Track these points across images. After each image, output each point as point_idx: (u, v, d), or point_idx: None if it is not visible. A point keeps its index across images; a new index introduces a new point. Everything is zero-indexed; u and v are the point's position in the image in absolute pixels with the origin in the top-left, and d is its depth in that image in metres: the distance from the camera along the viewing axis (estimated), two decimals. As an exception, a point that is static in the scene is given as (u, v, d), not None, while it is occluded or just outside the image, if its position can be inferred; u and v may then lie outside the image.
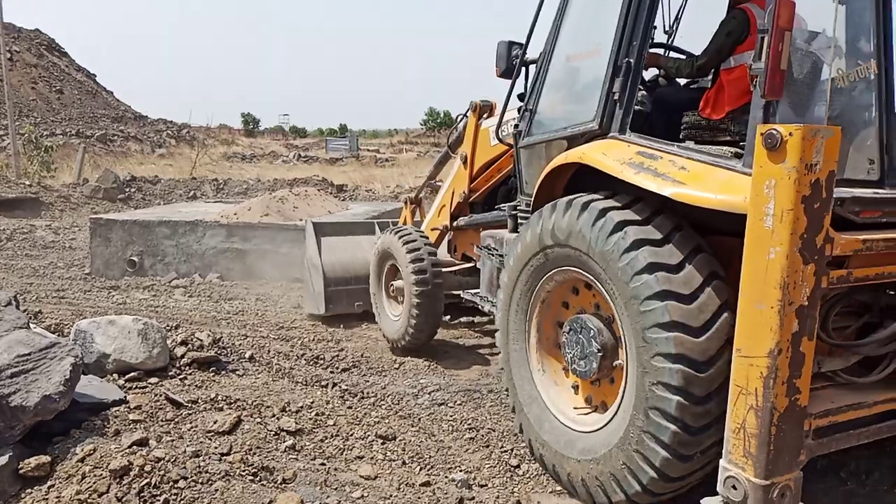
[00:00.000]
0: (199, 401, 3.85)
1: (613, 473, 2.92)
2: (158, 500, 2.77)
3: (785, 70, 2.61)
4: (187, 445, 3.25)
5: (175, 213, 9.04)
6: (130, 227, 8.38)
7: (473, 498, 3.23)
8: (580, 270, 3.14)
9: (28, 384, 3.21)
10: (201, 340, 4.72)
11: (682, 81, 4.35)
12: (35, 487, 2.93)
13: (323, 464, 3.38)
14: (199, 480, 2.93)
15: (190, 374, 4.34)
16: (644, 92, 3.96)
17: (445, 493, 3.21)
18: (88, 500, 2.71)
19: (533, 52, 4.20)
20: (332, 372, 4.98)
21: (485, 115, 5.38)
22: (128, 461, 2.88)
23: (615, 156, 3.11)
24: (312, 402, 4.06)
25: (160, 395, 3.79)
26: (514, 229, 4.32)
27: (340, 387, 4.54)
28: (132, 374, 4.09)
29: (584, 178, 3.40)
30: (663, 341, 2.65)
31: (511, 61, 4.26)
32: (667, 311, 2.65)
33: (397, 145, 57.04)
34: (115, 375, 4.10)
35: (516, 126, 4.15)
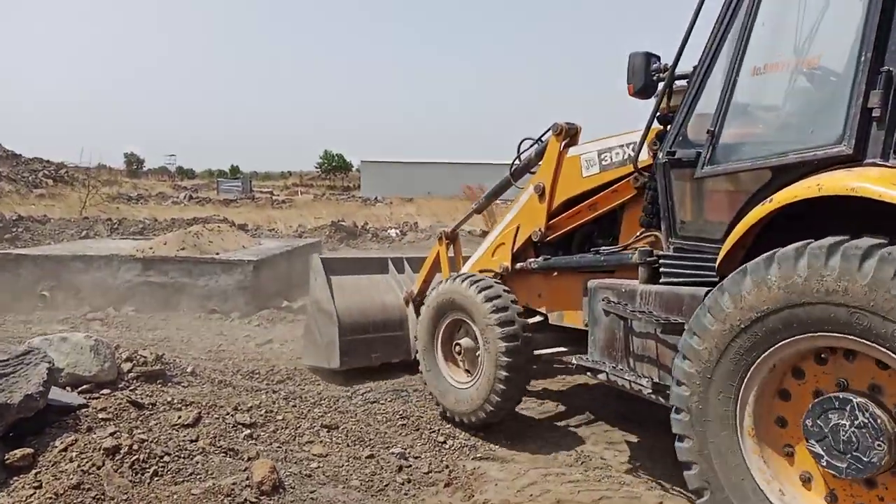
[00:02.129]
0: (158, 403, 4.28)
1: None
2: (149, 472, 3.25)
3: None
4: (159, 435, 3.71)
5: (87, 249, 9.11)
6: (42, 261, 8.40)
7: (410, 465, 3.90)
8: (853, 337, 2.46)
9: (10, 385, 3.58)
10: (145, 357, 5.08)
11: None
12: (22, 475, 3.30)
13: (280, 446, 3.93)
14: (181, 455, 3.42)
15: (139, 386, 4.71)
16: None
17: (387, 462, 3.87)
18: (89, 472, 3.14)
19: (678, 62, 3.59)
20: (268, 383, 5.48)
21: (566, 141, 4.59)
22: (116, 442, 3.34)
23: None
24: (260, 403, 4.57)
25: (121, 399, 4.19)
26: (651, 279, 3.65)
27: (280, 393, 5.07)
28: (84, 386, 4.43)
29: (782, 219, 2.86)
30: None
31: (650, 76, 3.66)
32: None
33: (292, 187, 56.96)
34: (68, 388, 4.43)
35: (670, 153, 3.45)
